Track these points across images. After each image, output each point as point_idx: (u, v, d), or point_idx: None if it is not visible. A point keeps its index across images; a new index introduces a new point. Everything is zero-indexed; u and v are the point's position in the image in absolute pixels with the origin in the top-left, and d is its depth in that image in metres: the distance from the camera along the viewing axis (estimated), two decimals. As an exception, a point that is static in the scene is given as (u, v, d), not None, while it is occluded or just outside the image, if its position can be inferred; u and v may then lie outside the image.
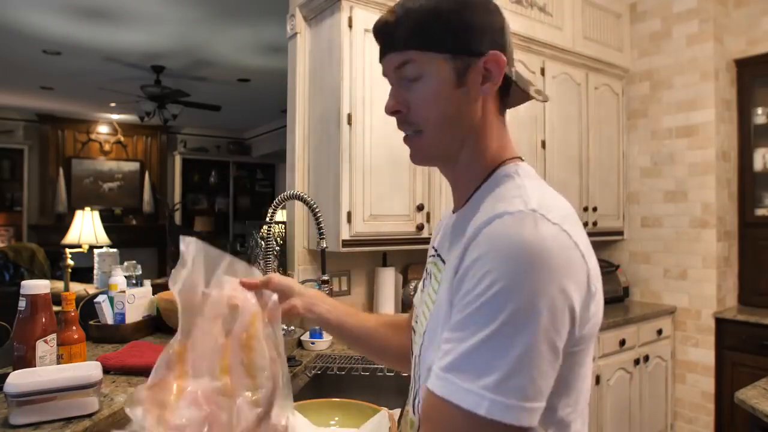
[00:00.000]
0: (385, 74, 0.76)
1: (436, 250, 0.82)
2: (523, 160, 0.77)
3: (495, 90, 0.72)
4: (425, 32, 0.70)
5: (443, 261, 0.76)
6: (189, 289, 0.82)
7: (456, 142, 0.74)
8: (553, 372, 0.59)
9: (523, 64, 2.80)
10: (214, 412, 0.77)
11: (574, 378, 0.66)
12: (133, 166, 8.39)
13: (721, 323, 3.00)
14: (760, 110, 3.10)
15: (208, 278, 0.83)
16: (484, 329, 0.57)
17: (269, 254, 1.66)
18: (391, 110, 0.74)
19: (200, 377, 0.78)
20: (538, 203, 0.63)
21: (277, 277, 0.90)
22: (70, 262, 4.13)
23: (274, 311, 0.85)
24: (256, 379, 0.80)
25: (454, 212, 0.80)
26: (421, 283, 0.87)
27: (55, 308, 1.12)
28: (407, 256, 2.69)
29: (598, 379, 2.67)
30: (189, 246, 0.83)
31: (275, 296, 0.86)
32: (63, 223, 6.83)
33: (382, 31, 0.74)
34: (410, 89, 0.72)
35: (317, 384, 1.86)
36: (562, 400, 0.65)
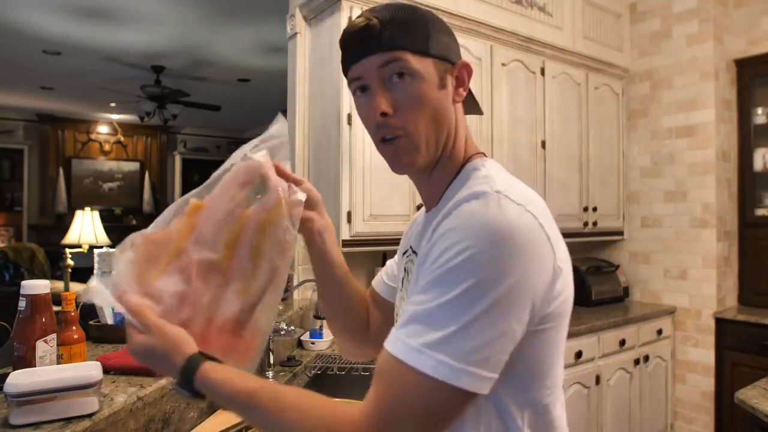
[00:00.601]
0: (357, 77, 0.75)
1: (411, 248, 0.86)
2: (486, 156, 0.81)
3: (464, 95, 0.78)
4: (414, 36, 0.72)
5: (416, 254, 0.79)
6: (240, 151, 0.79)
7: (437, 144, 0.76)
8: (510, 346, 0.61)
9: (523, 64, 2.80)
10: (198, 290, 0.72)
11: (547, 359, 0.68)
12: (133, 166, 8.39)
13: (721, 323, 3.00)
14: (760, 110, 3.10)
15: (255, 146, 0.80)
16: (443, 295, 0.60)
17: (269, 254, 1.66)
18: (381, 112, 0.73)
19: (204, 243, 0.73)
20: (502, 186, 0.67)
21: (309, 184, 0.87)
22: (70, 262, 4.13)
23: (296, 209, 0.79)
24: (258, 267, 0.75)
25: (426, 212, 0.84)
26: (399, 282, 0.89)
27: (55, 308, 1.12)
28: (407, 256, 2.68)
29: (598, 379, 2.67)
30: (279, 122, 0.83)
31: (303, 196, 0.81)
32: (63, 223, 6.83)
33: (362, 34, 0.73)
34: (394, 90, 0.73)
35: (317, 384, 1.86)
36: (537, 381, 0.67)
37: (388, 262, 1.03)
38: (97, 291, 0.70)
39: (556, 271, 0.65)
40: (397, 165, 0.78)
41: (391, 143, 0.76)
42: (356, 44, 0.74)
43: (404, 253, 0.90)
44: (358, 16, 0.75)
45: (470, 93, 0.82)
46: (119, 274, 0.71)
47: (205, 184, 0.77)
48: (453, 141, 0.78)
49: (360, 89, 0.76)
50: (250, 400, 0.64)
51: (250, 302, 0.75)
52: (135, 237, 0.73)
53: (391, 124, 0.74)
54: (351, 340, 1.00)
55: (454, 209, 0.65)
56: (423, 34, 0.73)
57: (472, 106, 0.86)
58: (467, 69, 0.78)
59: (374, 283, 1.03)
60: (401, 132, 0.74)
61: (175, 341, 0.69)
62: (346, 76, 0.77)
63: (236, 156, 0.79)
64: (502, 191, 0.65)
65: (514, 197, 0.65)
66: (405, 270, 0.85)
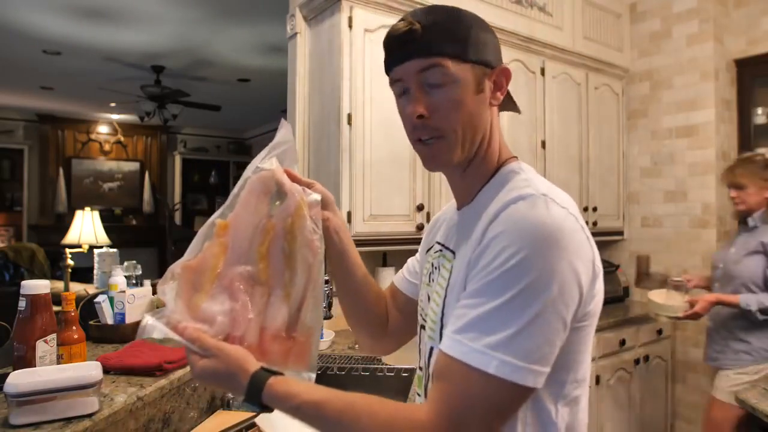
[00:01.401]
0: (398, 79, 0.78)
1: (442, 244, 0.86)
2: (519, 160, 0.84)
3: (501, 99, 0.80)
4: (455, 41, 0.74)
5: (451, 251, 0.80)
6: (251, 164, 0.81)
7: (473, 146, 0.79)
8: (559, 342, 0.65)
9: (523, 64, 2.80)
10: (244, 304, 0.75)
11: (580, 354, 0.71)
12: (133, 166, 8.39)
13: (721, 323, 2.99)
14: (760, 110, 3.10)
15: (264, 156, 0.82)
16: (498, 297, 0.63)
17: (269, 254, 1.66)
18: (417, 115, 0.75)
19: (238, 259, 0.76)
20: (546, 190, 0.71)
21: (320, 185, 0.89)
22: (70, 262, 4.13)
23: (314, 209, 0.81)
24: (294, 270, 0.77)
25: (459, 209, 0.85)
26: (426, 277, 0.88)
27: (55, 308, 1.12)
28: (407, 256, 2.67)
29: (598, 379, 2.67)
30: (283, 128, 0.84)
31: (318, 197, 0.83)
32: (63, 223, 6.82)
33: (404, 38, 0.75)
34: (433, 94, 0.75)
35: (317, 384, 1.86)
36: (570, 374, 0.70)
37: (409, 260, 1.05)
38: (151, 326, 0.71)
39: (595, 271, 0.70)
40: (431, 164, 0.81)
41: (427, 144, 0.78)
42: (398, 47, 0.76)
43: (429, 249, 0.92)
44: (401, 19, 0.77)
45: (508, 93, 0.84)
46: (168, 306, 0.73)
47: (225, 204, 0.80)
48: (488, 142, 0.80)
49: (401, 91, 0.79)
50: (318, 410, 0.67)
51: (295, 305, 0.78)
52: (174, 268, 0.76)
53: (427, 126, 0.76)
54: (370, 336, 1.03)
55: (503, 211, 0.68)
56: (463, 39, 0.75)
57: (509, 103, 0.87)
58: (506, 74, 0.79)
59: (396, 280, 1.05)
60: (437, 133, 0.76)
61: (237, 360, 0.71)
62: (388, 75, 0.80)
63: (249, 170, 0.82)
64: (547, 194, 0.69)
65: (559, 201, 0.69)
66: (433, 266, 0.86)
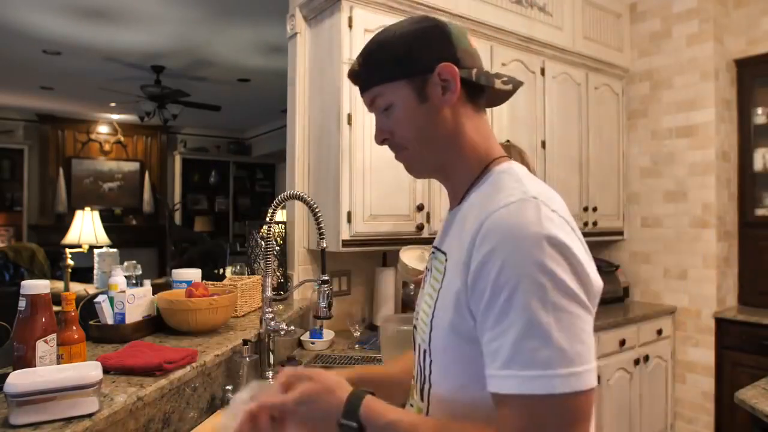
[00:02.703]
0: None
1: (435, 247, 0.87)
2: (509, 159, 0.83)
3: (455, 97, 0.78)
4: (379, 67, 0.80)
5: (443, 252, 0.79)
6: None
7: (438, 151, 0.80)
8: (589, 336, 0.65)
9: (523, 64, 2.80)
10: None
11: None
12: (133, 166, 8.39)
13: (721, 323, 3.00)
14: (760, 110, 3.10)
15: None
16: (520, 319, 0.61)
17: (269, 254, 1.66)
18: (379, 140, 0.84)
19: None
20: (537, 192, 0.69)
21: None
22: (70, 262, 4.14)
23: None
24: None
25: (450, 209, 0.86)
26: (424, 281, 0.88)
27: (55, 308, 1.12)
28: (407, 256, 2.68)
29: (598, 379, 2.66)
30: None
31: None
32: (63, 223, 6.83)
33: (352, 78, 0.84)
34: (388, 117, 0.81)
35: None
36: None
37: None
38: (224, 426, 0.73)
39: (587, 270, 0.68)
40: (411, 173, 0.86)
41: (400, 156, 0.84)
42: (355, 85, 0.84)
43: (431, 252, 0.91)
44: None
45: (491, 86, 0.81)
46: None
47: None
48: (458, 145, 0.80)
49: None
50: (414, 429, 0.67)
51: None
52: None
53: (392, 144, 0.83)
54: None
55: (492, 214, 0.67)
56: (388, 61, 0.79)
57: (497, 93, 0.85)
58: (448, 70, 0.76)
59: None
60: (401, 148, 0.83)
61: (333, 379, 0.73)
62: None
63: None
64: (538, 197, 0.68)
65: (550, 204, 0.68)
66: (427, 268, 0.86)
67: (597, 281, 0.67)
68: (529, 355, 0.60)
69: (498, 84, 0.81)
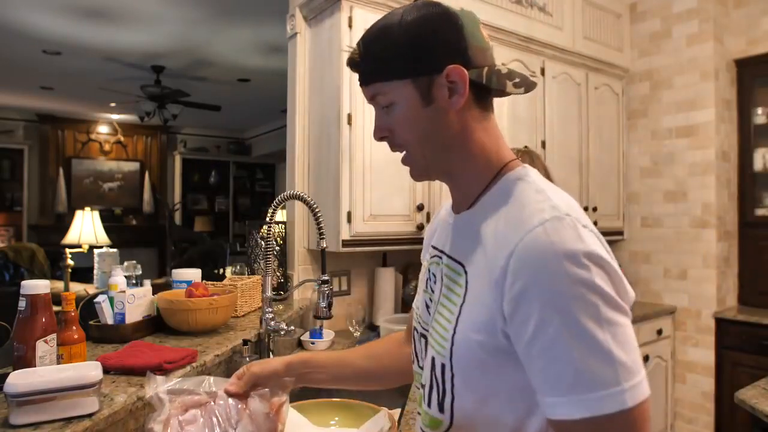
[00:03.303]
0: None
1: (440, 250, 0.82)
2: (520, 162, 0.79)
3: (463, 101, 0.72)
4: (384, 64, 0.73)
5: (459, 263, 0.75)
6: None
7: (441, 155, 0.76)
8: (636, 343, 0.63)
9: (523, 64, 2.80)
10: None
11: None
12: (133, 166, 8.39)
13: (721, 323, 3.00)
14: (760, 110, 3.10)
15: None
16: (578, 341, 0.59)
17: (269, 254, 1.66)
18: (377, 137, 0.78)
19: None
20: (565, 206, 0.67)
21: (237, 386, 0.91)
22: (70, 262, 4.14)
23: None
24: None
25: (456, 213, 0.80)
26: (423, 284, 0.86)
27: (55, 308, 1.12)
28: (407, 256, 2.68)
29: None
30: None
31: (266, 391, 0.89)
32: (63, 223, 6.83)
33: (351, 67, 0.78)
34: (388, 115, 0.76)
35: (317, 384, 1.86)
36: None
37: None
38: None
39: (624, 279, 0.67)
40: (412, 176, 0.81)
41: (404, 159, 0.79)
42: (352, 71, 0.79)
43: (432, 254, 0.87)
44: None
45: (502, 89, 0.74)
46: None
47: None
48: (465, 149, 0.75)
49: None
50: None
51: None
52: None
53: (392, 143, 0.79)
54: (398, 382, 1.05)
55: (526, 236, 0.63)
56: (395, 55, 0.72)
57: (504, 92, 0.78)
58: (457, 72, 0.71)
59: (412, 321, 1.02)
60: (401, 149, 0.78)
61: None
62: None
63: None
64: (570, 214, 0.65)
65: (583, 220, 0.66)
66: (431, 272, 0.83)
67: (631, 290, 0.67)
68: (594, 376, 0.59)
69: (509, 87, 0.74)
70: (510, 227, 0.66)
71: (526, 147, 2.23)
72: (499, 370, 0.67)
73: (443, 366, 0.73)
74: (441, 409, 0.74)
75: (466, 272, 0.73)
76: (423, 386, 0.79)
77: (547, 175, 2.21)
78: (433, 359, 0.76)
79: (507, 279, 0.63)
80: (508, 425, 0.67)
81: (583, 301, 0.60)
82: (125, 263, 2.08)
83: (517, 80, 0.74)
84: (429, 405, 0.76)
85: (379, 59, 0.73)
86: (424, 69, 0.72)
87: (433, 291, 0.81)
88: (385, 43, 0.73)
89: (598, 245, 0.64)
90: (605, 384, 0.58)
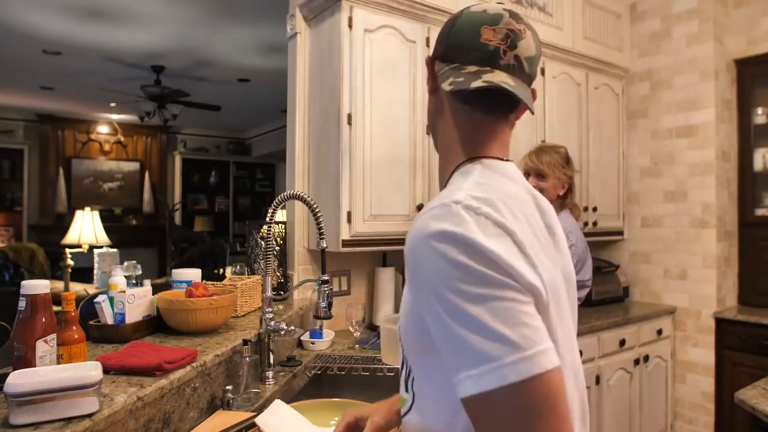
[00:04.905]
0: None
1: None
2: (508, 160, 0.80)
3: (431, 86, 0.82)
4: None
5: None
6: None
7: (436, 138, 0.86)
8: (534, 319, 0.60)
9: (523, 64, 2.79)
10: None
11: None
12: (133, 166, 8.39)
13: (721, 323, 3.00)
14: (760, 110, 3.10)
15: None
16: (452, 319, 0.60)
17: (269, 254, 1.66)
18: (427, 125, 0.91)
19: None
20: (466, 195, 0.66)
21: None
22: (70, 262, 4.14)
23: None
24: None
25: None
26: None
27: (55, 308, 1.12)
28: (407, 256, 2.68)
29: (598, 379, 2.67)
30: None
31: None
32: (63, 223, 6.83)
33: None
34: None
35: (317, 384, 1.87)
36: None
37: None
38: None
39: (506, 258, 0.62)
40: None
41: None
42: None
43: None
44: None
45: (504, 93, 0.73)
46: None
47: None
48: (446, 136, 0.82)
49: None
50: None
51: None
52: None
53: None
54: None
55: (414, 224, 0.68)
56: (435, 44, 0.84)
57: (502, 100, 0.78)
58: (425, 63, 0.84)
59: None
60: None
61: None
62: None
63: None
64: (463, 200, 0.65)
65: (478, 203, 0.65)
66: None
67: (524, 275, 0.62)
68: (472, 352, 0.58)
69: (445, 85, 0.75)
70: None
71: (543, 141, 2.24)
72: (433, 349, 0.66)
73: (403, 346, 0.77)
74: (406, 387, 0.78)
75: None
76: (401, 370, 0.83)
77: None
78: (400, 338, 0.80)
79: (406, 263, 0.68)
80: (449, 407, 0.68)
81: (449, 278, 0.60)
82: (125, 263, 2.08)
83: (458, 80, 0.74)
84: (402, 385, 0.80)
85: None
86: (435, 55, 0.83)
87: None
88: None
89: (477, 229, 0.62)
90: (486, 359, 0.57)
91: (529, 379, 0.56)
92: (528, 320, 0.59)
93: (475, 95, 0.75)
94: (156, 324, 1.63)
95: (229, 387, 1.45)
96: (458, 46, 0.78)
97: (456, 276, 0.60)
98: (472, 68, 0.75)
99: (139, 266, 2.11)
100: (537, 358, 0.57)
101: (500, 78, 0.73)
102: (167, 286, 2.12)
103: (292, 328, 1.67)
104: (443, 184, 0.81)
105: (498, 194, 0.70)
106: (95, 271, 4.09)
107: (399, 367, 0.81)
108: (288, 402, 1.35)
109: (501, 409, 0.57)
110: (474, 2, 2.51)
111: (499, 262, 0.61)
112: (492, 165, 0.77)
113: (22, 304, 1.07)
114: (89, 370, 0.98)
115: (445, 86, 0.75)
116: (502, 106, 0.79)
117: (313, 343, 2.10)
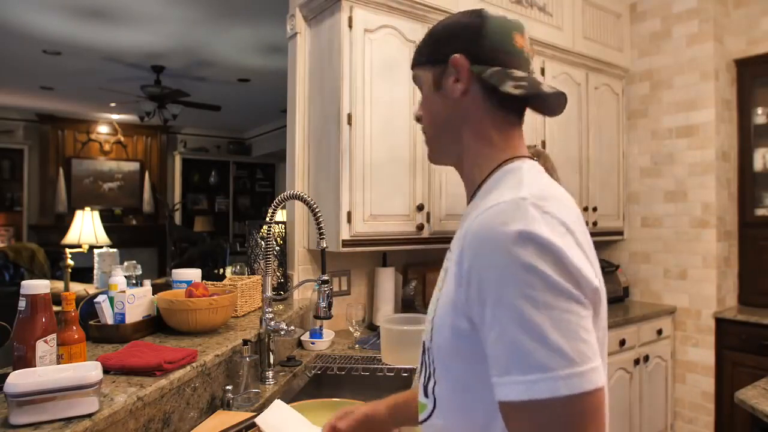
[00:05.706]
0: None
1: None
2: (535, 159, 0.80)
3: (462, 88, 0.78)
4: (420, 51, 0.85)
5: (450, 251, 0.78)
6: None
7: (448, 140, 0.83)
8: (590, 334, 0.60)
9: (523, 64, 2.80)
10: None
11: None
12: (133, 166, 8.39)
13: (721, 323, 3.00)
14: (760, 110, 3.10)
15: None
16: (511, 322, 0.58)
17: (269, 254, 1.66)
18: (416, 117, 0.88)
19: None
20: (532, 192, 0.66)
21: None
22: (70, 262, 4.14)
23: None
24: None
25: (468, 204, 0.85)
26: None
27: (55, 308, 1.12)
28: (407, 256, 2.69)
29: (598, 379, 2.67)
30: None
31: None
32: (63, 223, 6.83)
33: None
34: (422, 98, 0.86)
35: (317, 384, 1.87)
36: None
37: None
38: None
39: (578, 264, 0.62)
40: (429, 158, 0.90)
41: (426, 141, 0.89)
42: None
43: None
44: None
45: (498, 87, 0.75)
46: None
47: None
48: (471, 139, 0.80)
49: None
50: None
51: None
52: None
53: (422, 125, 0.88)
54: None
55: (478, 218, 0.65)
56: (426, 44, 0.84)
57: (542, 104, 0.83)
58: (456, 61, 0.78)
59: None
60: (423, 131, 0.88)
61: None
62: None
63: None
64: (529, 197, 0.64)
65: (543, 203, 0.64)
66: (443, 268, 0.84)
67: (593, 281, 0.62)
68: (527, 359, 0.57)
69: (509, 87, 0.74)
70: (476, 211, 0.68)
71: (536, 146, 2.23)
72: (471, 357, 0.66)
73: (428, 350, 0.76)
74: (426, 393, 0.76)
75: (449, 259, 0.76)
76: (418, 374, 0.82)
77: (554, 175, 2.22)
78: (423, 344, 0.79)
79: (463, 260, 0.65)
80: (479, 418, 0.67)
81: (516, 280, 0.59)
82: (125, 263, 2.08)
83: (524, 84, 0.75)
84: (420, 390, 0.79)
85: (420, 48, 0.86)
86: (438, 58, 0.81)
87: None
88: (429, 36, 0.85)
89: (545, 228, 0.61)
90: (538, 368, 0.57)
91: (579, 395, 0.56)
92: (585, 335, 0.59)
93: (516, 99, 0.78)
94: (156, 324, 1.63)
95: (229, 387, 1.45)
96: (497, 50, 0.77)
97: (526, 280, 0.59)
98: (519, 73, 0.76)
99: (139, 266, 2.11)
100: (589, 375, 0.57)
101: (541, 83, 0.78)
102: (167, 286, 2.12)
103: (292, 328, 1.67)
104: (475, 187, 0.79)
105: (551, 191, 0.70)
106: (95, 271, 4.09)
107: (403, 369, 0.82)
108: (288, 402, 1.35)
109: (546, 419, 0.57)
110: (474, 4, 2.51)
111: (569, 267, 0.60)
112: (532, 164, 0.77)
113: (22, 304, 1.07)
114: (89, 370, 0.98)
115: (509, 89, 0.74)
116: (524, 110, 0.83)
117: (313, 343, 2.10)
